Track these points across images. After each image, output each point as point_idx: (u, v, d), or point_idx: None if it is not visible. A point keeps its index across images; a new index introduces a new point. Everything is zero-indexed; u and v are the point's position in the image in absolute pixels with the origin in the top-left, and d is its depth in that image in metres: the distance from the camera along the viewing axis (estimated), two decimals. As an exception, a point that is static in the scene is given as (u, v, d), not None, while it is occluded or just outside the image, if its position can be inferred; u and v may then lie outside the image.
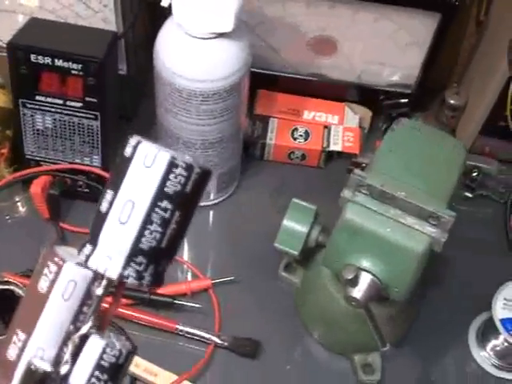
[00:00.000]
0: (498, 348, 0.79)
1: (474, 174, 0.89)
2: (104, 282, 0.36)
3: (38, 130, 0.80)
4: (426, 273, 0.71)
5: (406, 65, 0.90)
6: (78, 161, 0.82)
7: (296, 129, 0.92)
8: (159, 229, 0.34)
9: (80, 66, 0.74)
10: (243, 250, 0.86)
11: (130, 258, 0.35)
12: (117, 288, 0.37)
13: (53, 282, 0.35)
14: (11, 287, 0.69)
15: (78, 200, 0.87)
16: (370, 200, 0.64)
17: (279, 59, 0.91)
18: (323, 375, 0.79)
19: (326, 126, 0.93)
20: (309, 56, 0.90)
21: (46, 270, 0.35)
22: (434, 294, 0.84)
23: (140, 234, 0.34)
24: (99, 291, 0.36)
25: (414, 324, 0.82)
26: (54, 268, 0.35)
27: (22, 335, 0.35)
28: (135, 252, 0.34)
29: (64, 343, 0.35)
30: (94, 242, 0.35)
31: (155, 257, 0.35)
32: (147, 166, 0.34)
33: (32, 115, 0.79)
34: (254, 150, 0.92)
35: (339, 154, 0.91)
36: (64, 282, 0.35)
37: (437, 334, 0.82)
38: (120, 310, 0.79)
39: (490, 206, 0.93)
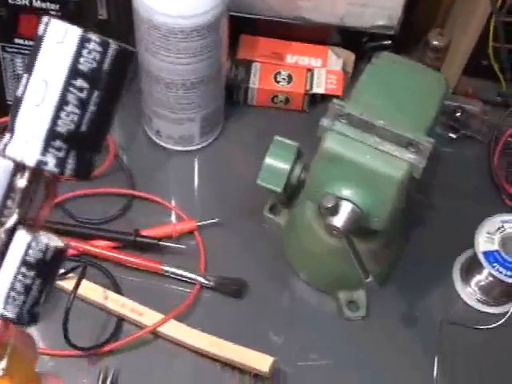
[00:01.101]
0: (482, 283, 0.80)
1: (458, 115, 0.89)
2: (26, 173, 0.34)
3: (18, 74, 0.80)
4: (408, 204, 0.72)
5: (389, 6, 0.89)
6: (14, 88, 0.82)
7: (279, 72, 0.92)
8: (76, 110, 0.33)
9: (58, 6, 0.74)
10: (228, 194, 0.87)
11: (48, 143, 0.33)
12: (48, 183, 0.35)
13: None
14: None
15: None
16: (349, 128, 0.64)
17: (261, 2, 0.90)
18: (310, 314, 0.80)
19: (309, 70, 0.92)
20: (291, -1, 0.90)
21: None
22: (418, 233, 0.85)
23: (56, 116, 0.33)
24: (21, 182, 0.34)
25: (399, 263, 0.82)
26: None
27: None
28: (52, 136, 0.33)
29: None
30: (11, 129, 0.34)
31: (76, 142, 0.34)
32: (58, 41, 0.33)
33: (12, 59, 0.79)
34: (238, 94, 0.92)
35: (323, 97, 0.91)
36: None
37: (421, 272, 0.82)
38: (105, 252, 0.79)
39: (474, 147, 0.93)
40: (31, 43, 0.77)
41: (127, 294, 0.77)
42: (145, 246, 0.80)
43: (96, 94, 0.33)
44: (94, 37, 0.33)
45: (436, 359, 0.75)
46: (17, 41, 0.78)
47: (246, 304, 0.79)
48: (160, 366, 0.75)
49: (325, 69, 0.92)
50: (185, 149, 0.88)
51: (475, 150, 0.92)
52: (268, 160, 0.74)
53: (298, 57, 0.93)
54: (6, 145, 0.34)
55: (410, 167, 0.63)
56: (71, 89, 0.33)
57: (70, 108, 0.33)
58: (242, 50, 0.94)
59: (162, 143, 0.88)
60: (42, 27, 0.33)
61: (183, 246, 0.80)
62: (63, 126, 0.33)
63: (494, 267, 0.75)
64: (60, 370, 0.72)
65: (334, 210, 0.64)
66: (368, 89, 0.68)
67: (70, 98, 0.33)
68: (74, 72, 0.33)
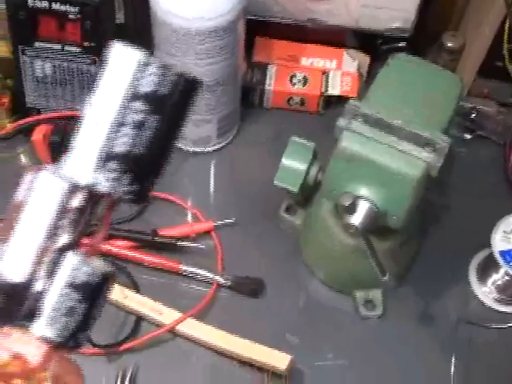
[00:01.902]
0: (498, 282, 0.80)
1: (473, 116, 0.90)
2: (80, 193, 0.34)
3: (37, 77, 0.81)
4: (424, 204, 0.72)
5: (403, 8, 0.90)
6: (78, 108, 0.83)
7: (294, 75, 0.93)
8: (132, 131, 0.33)
9: (77, 8, 0.75)
10: (244, 194, 0.87)
11: (103, 163, 0.33)
12: (105, 209, 0.35)
13: (28, 190, 0.34)
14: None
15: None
16: (365, 128, 0.65)
17: (277, 6, 0.91)
18: (326, 313, 0.80)
19: (324, 72, 0.93)
20: (306, 2, 0.90)
21: (22, 180, 0.35)
22: (434, 233, 0.85)
23: (111, 136, 0.33)
24: (75, 202, 0.34)
25: (415, 262, 0.83)
26: (29, 177, 0.34)
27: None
28: (107, 157, 0.33)
29: (39, 260, 0.33)
30: (70, 149, 0.34)
31: (132, 165, 0.33)
32: (119, 65, 0.33)
33: (31, 62, 0.80)
34: (253, 96, 0.93)
35: (338, 99, 0.92)
36: (39, 191, 0.34)
37: (437, 272, 0.83)
38: (124, 251, 0.80)
39: (489, 147, 0.93)
40: (51, 46, 0.79)
41: (145, 293, 0.78)
42: (162, 245, 0.81)
43: (155, 117, 0.33)
44: (153, 61, 0.33)
45: (452, 358, 0.76)
46: (36, 44, 0.79)
47: (263, 303, 0.80)
48: (178, 364, 0.75)
49: (340, 71, 0.93)
50: (202, 150, 0.89)
51: (490, 150, 0.93)
52: (285, 160, 0.75)
53: (314, 59, 0.94)
54: (63, 164, 0.34)
55: (427, 166, 0.63)
56: (129, 111, 0.33)
57: (126, 129, 0.33)
58: (257, 52, 0.95)
59: (179, 144, 0.89)
60: (108, 50, 0.34)
61: (201, 246, 0.81)
62: (117, 148, 0.33)
63: (510, 266, 0.75)
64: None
65: (352, 209, 0.65)
66: (384, 89, 0.69)
67: (127, 119, 0.33)
68: (132, 94, 0.33)
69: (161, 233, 0.81)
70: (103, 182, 0.33)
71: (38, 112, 0.84)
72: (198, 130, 0.86)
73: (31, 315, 0.33)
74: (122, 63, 0.33)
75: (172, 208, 0.85)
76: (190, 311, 0.75)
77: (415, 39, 0.94)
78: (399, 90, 0.69)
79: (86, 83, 0.81)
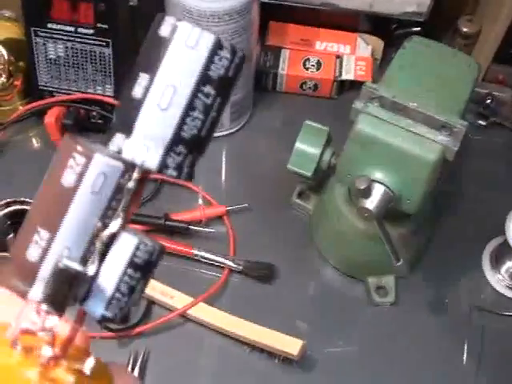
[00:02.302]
0: (512, 270, 0.80)
1: (488, 102, 0.89)
2: (136, 175, 0.33)
3: (50, 59, 0.81)
4: (437, 191, 0.72)
5: (418, -8, 0.89)
6: (90, 91, 0.83)
7: (308, 59, 0.92)
8: (201, 116, 0.32)
9: (90, -9, 0.75)
10: (257, 180, 0.87)
11: (171, 147, 0.32)
12: (139, 182, 0.34)
13: (80, 175, 0.32)
14: (27, 207, 0.70)
15: (91, 132, 0.87)
16: (381, 111, 0.64)
17: (290, -11, 0.91)
18: (338, 300, 0.80)
19: (338, 56, 0.92)
20: (320, -14, 0.90)
21: (71, 162, 0.32)
22: (448, 220, 0.85)
23: (182, 121, 0.32)
24: (131, 184, 0.33)
25: (428, 249, 0.82)
26: (81, 160, 0.32)
27: (44, 233, 0.32)
28: (176, 141, 0.32)
29: (91, 242, 0.33)
30: (126, 130, 0.32)
31: (194, 147, 0.33)
32: (190, 46, 0.31)
33: (44, 44, 0.80)
34: (266, 81, 0.92)
35: (352, 83, 0.91)
36: (93, 175, 0.32)
37: (450, 259, 0.82)
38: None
39: (504, 134, 0.92)
40: (64, 27, 0.78)
41: (157, 277, 0.78)
42: (174, 230, 0.80)
43: (219, 99, 0.33)
44: (226, 44, 0.32)
45: (465, 345, 0.76)
46: (49, 25, 0.78)
47: (275, 289, 0.79)
48: (189, 348, 0.75)
49: (354, 55, 0.93)
50: (214, 135, 0.88)
51: (505, 137, 0.92)
52: (299, 144, 0.75)
53: (327, 43, 0.94)
54: (120, 145, 0.33)
55: (443, 149, 0.63)
56: (199, 94, 0.32)
57: (195, 114, 0.32)
58: (271, 36, 0.94)
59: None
60: (166, 28, 0.32)
61: (212, 230, 0.81)
62: (187, 132, 0.32)
63: (525, 253, 0.75)
64: (91, 351, 0.73)
65: (367, 193, 0.64)
66: (400, 72, 0.68)
67: (197, 103, 0.32)
68: (205, 78, 0.32)
69: (173, 217, 0.80)
70: (170, 166, 0.33)
71: (51, 94, 0.84)
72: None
73: (85, 297, 0.33)
74: (193, 45, 0.32)
75: (184, 193, 0.84)
76: (202, 296, 0.75)
77: (430, 24, 0.93)
78: (415, 73, 0.68)
79: (99, 66, 0.80)
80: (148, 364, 0.73)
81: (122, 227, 0.33)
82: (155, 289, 0.77)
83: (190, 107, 0.32)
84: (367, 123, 0.64)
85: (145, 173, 0.33)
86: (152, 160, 0.32)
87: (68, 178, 0.32)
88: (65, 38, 0.79)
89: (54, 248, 0.32)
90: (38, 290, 0.31)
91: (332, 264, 0.81)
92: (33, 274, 0.32)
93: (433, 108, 0.64)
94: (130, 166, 0.33)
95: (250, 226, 0.83)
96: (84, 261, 0.32)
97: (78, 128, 0.84)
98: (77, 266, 0.32)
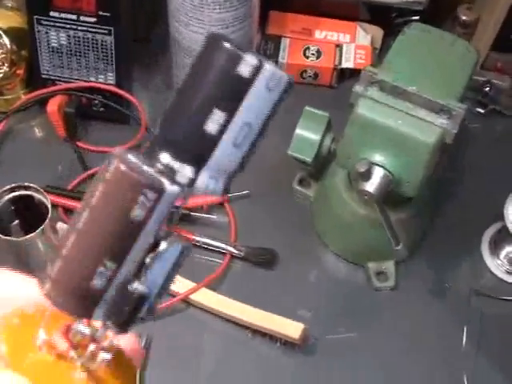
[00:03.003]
0: (511, 254, 0.80)
1: (486, 89, 0.90)
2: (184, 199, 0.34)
3: (52, 47, 0.82)
4: (437, 176, 0.73)
5: (417, -19, 0.90)
6: (92, 79, 0.84)
7: (308, 48, 0.93)
8: (254, 148, 0.34)
9: (93, -19, 0.75)
10: (258, 168, 0.86)
11: (233, 176, 0.34)
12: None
13: (150, 210, 0.32)
14: (31, 192, 0.70)
15: (93, 120, 0.88)
16: (381, 94, 0.65)
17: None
18: (339, 285, 0.81)
19: (337, 45, 0.93)
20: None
21: (141, 198, 0.32)
22: (447, 206, 0.86)
23: (247, 155, 0.34)
24: (179, 211, 0.34)
25: (428, 235, 0.83)
26: (152, 196, 0.32)
27: (111, 265, 0.32)
28: (238, 171, 0.34)
29: (143, 259, 0.34)
30: (198, 163, 0.33)
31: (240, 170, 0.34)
32: (270, 89, 0.32)
33: (47, 32, 0.81)
34: (267, 69, 0.93)
35: (351, 72, 0.92)
36: (164, 208, 0.32)
37: (450, 245, 0.83)
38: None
39: (503, 121, 0.93)
40: (66, 16, 0.79)
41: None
42: (176, 216, 0.81)
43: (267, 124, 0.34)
44: (292, 80, 0.33)
45: (465, 330, 0.76)
46: (52, 14, 0.79)
47: (276, 275, 0.80)
48: (192, 333, 0.76)
49: (353, 44, 0.93)
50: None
51: (504, 124, 0.93)
52: (299, 130, 0.76)
53: (327, 32, 0.94)
54: (192, 179, 0.33)
55: (442, 132, 0.64)
56: (263, 131, 0.34)
57: (256, 147, 0.34)
58: (271, 25, 0.95)
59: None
60: (247, 69, 0.32)
61: (214, 216, 0.82)
62: (246, 163, 0.34)
63: (523, 237, 0.76)
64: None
65: (367, 176, 0.65)
66: (400, 57, 0.69)
67: (259, 138, 0.34)
68: (272, 115, 0.33)
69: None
70: (228, 189, 0.34)
71: (53, 83, 0.85)
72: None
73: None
74: (273, 88, 0.32)
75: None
76: (204, 281, 0.76)
77: (429, 12, 0.94)
78: (415, 58, 0.69)
79: (101, 54, 0.81)
80: (151, 349, 0.74)
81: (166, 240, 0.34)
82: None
83: (254, 144, 0.34)
84: (367, 107, 0.65)
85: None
86: (218, 190, 0.34)
87: (137, 213, 0.32)
88: (67, 26, 0.80)
89: (119, 276, 0.33)
90: (100, 311, 0.32)
91: (333, 250, 0.81)
92: (95, 299, 0.32)
93: (432, 92, 0.65)
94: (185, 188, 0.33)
95: (251, 212, 0.84)
96: (137, 276, 0.33)
97: (80, 117, 0.85)
98: (143, 289, 0.33)
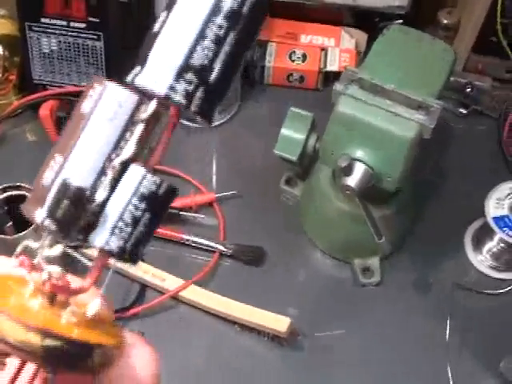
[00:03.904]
0: (493, 249, 0.83)
1: (468, 90, 0.93)
2: (152, 105, 0.34)
3: (44, 53, 0.84)
4: (419, 174, 0.75)
5: (399, -14, 0.93)
6: (83, 83, 0.86)
7: (294, 52, 0.96)
8: (212, 45, 0.34)
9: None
10: (245, 169, 0.90)
11: (180, 73, 0.33)
12: (165, 127, 0.35)
13: (96, 101, 0.33)
14: (23, 192, 0.73)
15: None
16: (361, 92, 0.68)
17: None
18: (326, 283, 0.83)
19: (322, 49, 0.96)
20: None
21: (90, 92, 0.33)
22: (431, 204, 0.88)
23: (192, 49, 0.33)
24: (144, 115, 0.33)
25: (412, 231, 0.85)
26: (99, 89, 0.33)
27: (59, 158, 0.33)
28: (186, 67, 0.33)
29: (103, 170, 0.33)
30: (142, 62, 0.34)
31: (206, 79, 0.34)
32: None
33: (38, 38, 0.83)
34: (254, 73, 0.96)
35: (336, 75, 0.95)
36: (108, 102, 0.33)
37: (434, 241, 0.86)
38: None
39: (485, 121, 0.96)
40: (57, 22, 0.82)
41: (148, 261, 0.81)
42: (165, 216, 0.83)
43: (233, 35, 0.34)
44: None
45: (448, 324, 0.79)
46: (43, 20, 0.82)
47: (264, 272, 0.83)
48: (182, 329, 0.78)
49: (338, 48, 0.96)
50: (201, 126, 0.92)
51: (486, 124, 0.96)
52: (284, 130, 0.78)
53: (312, 37, 0.98)
54: (135, 75, 0.33)
55: (420, 127, 0.66)
56: (210, 25, 0.33)
57: (206, 43, 0.34)
58: (257, 31, 0.97)
59: (181, 120, 0.91)
60: None
61: (202, 216, 0.84)
62: (197, 59, 0.33)
63: (504, 231, 0.78)
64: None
65: (348, 171, 0.68)
66: (380, 57, 0.72)
67: (208, 33, 0.33)
68: (216, 9, 0.33)
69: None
70: (179, 93, 0.33)
71: (45, 88, 0.87)
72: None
73: (91, 228, 0.33)
74: None
75: (175, 181, 0.87)
76: (193, 278, 0.78)
77: (412, 16, 0.97)
78: (394, 58, 0.72)
79: (92, 59, 0.84)
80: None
81: (134, 159, 0.33)
82: (147, 272, 0.80)
83: (200, 36, 0.33)
84: (347, 104, 0.68)
85: (160, 108, 0.34)
86: (161, 85, 0.33)
87: (85, 106, 0.33)
88: (57, 32, 0.82)
89: (64, 170, 0.33)
90: (43, 210, 0.32)
91: (320, 247, 0.84)
92: (44, 197, 0.32)
93: (410, 89, 0.67)
94: (144, 98, 0.33)
95: (239, 212, 0.87)
96: (94, 188, 0.33)
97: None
98: (82, 184, 0.32)
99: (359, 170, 0.68)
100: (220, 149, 0.94)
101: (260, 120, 0.95)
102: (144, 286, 0.80)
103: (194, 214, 0.84)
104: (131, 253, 0.33)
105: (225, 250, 0.82)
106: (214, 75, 0.34)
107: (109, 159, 0.33)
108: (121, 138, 0.33)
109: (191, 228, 0.84)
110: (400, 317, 0.80)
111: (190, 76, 0.34)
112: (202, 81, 0.34)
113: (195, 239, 0.82)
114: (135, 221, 0.33)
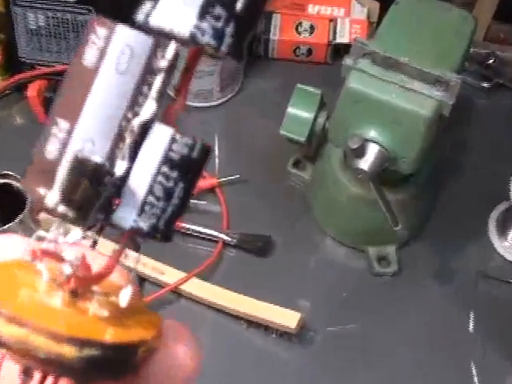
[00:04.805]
0: (519, 235, 0.81)
1: (490, 62, 0.91)
2: (171, 49, 0.29)
3: (31, 29, 0.83)
4: (436, 149, 0.73)
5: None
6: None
7: (300, 23, 0.94)
8: None
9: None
10: (250, 150, 0.89)
11: (205, 9, 0.29)
12: (189, 59, 0.30)
13: (103, 50, 0.28)
14: (10, 181, 0.71)
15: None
16: (373, 66, 0.66)
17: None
18: (338, 273, 0.81)
19: (331, 20, 0.94)
20: None
21: (93, 38, 0.29)
22: (452, 186, 0.86)
23: None
24: (163, 62, 0.29)
25: (432, 217, 0.84)
26: (103, 32, 0.28)
27: (64, 124, 0.28)
28: (212, 1, 0.28)
29: (119, 134, 0.29)
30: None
31: (234, 10, 0.29)
32: None
33: (24, 13, 0.82)
34: (258, 47, 0.94)
35: (347, 48, 0.92)
36: (118, 49, 0.29)
37: (455, 226, 0.84)
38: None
39: (508, 96, 0.94)
40: (43, -5, 0.80)
41: (147, 253, 0.79)
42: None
43: None
44: None
45: (472, 314, 0.77)
46: (28, -7, 0.80)
47: (272, 263, 0.81)
48: (184, 325, 0.77)
49: (348, 18, 0.94)
50: (204, 105, 0.91)
51: (510, 98, 0.93)
52: (291, 109, 0.76)
53: (320, 7, 0.95)
54: (147, 14, 0.29)
55: (438, 105, 0.64)
56: None
57: None
58: (261, 1, 0.95)
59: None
60: None
61: (204, 202, 0.82)
62: None
63: (530, 216, 0.76)
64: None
65: (360, 152, 0.66)
66: (393, 27, 0.70)
67: None
68: None
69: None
70: (207, 32, 0.29)
71: (32, 67, 0.86)
72: (200, 83, 0.87)
73: (112, 204, 0.29)
74: None
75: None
76: (194, 270, 0.77)
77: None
78: (409, 28, 0.70)
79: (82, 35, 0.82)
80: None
81: (156, 115, 0.29)
82: (146, 265, 0.78)
83: None
84: (358, 80, 0.66)
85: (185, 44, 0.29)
86: (183, 25, 0.29)
87: (89, 56, 0.28)
88: (45, 6, 0.81)
89: (73, 140, 0.28)
90: (55, 193, 0.28)
91: (331, 235, 0.82)
92: (52, 174, 0.28)
93: (427, 63, 0.65)
94: (161, 40, 0.29)
95: (244, 198, 0.85)
96: (111, 158, 0.28)
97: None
98: (98, 159, 0.28)
99: (372, 151, 0.67)
100: (222, 129, 0.92)
101: (265, 98, 0.93)
102: (143, 280, 0.79)
103: (194, 201, 0.82)
104: (165, 230, 0.29)
105: (229, 239, 0.80)
106: (240, 3, 0.29)
107: (125, 122, 0.29)
108: (137, 94, 0.29)
109: (192, 216, 0.82)
110: (419, 309, 0.79)
111: (217, 10, 0.29)
112: (231, 13, 0.29)
113: (196, 228, 0.81)
114: (167, 193, 0.29)
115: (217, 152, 0.90)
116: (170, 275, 0.78)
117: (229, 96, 0.92)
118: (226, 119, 0.92)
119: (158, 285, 0.78)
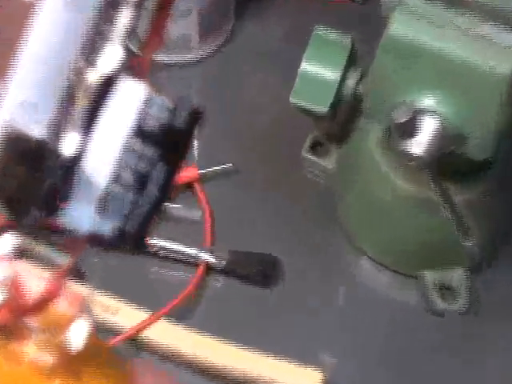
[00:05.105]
0: None
1: None
2: None
3: None
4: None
5: None
6: None
7: None
8: None
9: None
10: (244, 129, 0.90)
11: None
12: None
13: None
14: None
15: None
16: (426, 4, 0.68)
17: None
18: (377, 309, 0.83)
19: None
20: None
21: None
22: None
23: None
24: None
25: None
26: None
27: None
28: None
29: (68, 94, 0.29)
30: None
31: None
32: None
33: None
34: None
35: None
36: None
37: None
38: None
39: None
40: None
41: (94, 283, 0.80)
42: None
43: None
44: None
45: None
46: None
47: (278, 296, 0.82)
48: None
49: None
50: (178, 60, 0.93)
51: None
52: (306, 65, 0.77)
53: None
54: None
55: (524, 58, 0.66)
56: None
57: None
58: None
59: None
60: None
61: (178, 205, 0.84)
62: None
63: None
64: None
65: (410, 130, 0.67)
66: None
67: None
68: None
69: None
70: None
71: None
72: (172, 27, 0.88)
73: (57, 198, 0.29)
74: None
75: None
76: (162, 309, 0.78)
77: None
78: None
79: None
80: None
81: (123, 66, 0.31)
82: (91, 300, 0.80)
83: None
84: (406, 23, 0.67)
85: None
86: None
87: None
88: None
89: (1, 105, 0.29)
90: None
91: (368, 253, 0.84)
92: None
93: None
94: None
95: (236, 197, 0.87)
96: (56, 130, 0.29)
97: None
98: (36, 131, 0.29)
99: (428, 127, 0.68)
100: (203, 97, 0.94)
101: (265, 50, 0.95)
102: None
103: (165, 204, 0.84)
104: (135, 234, 0.31)
105: (214, 260, 0.82)
106: None
107: (76, 72, 0.30)
108: (94, 35, 0.30)
109: (161, 227, 0.83)
110: (502, 365, 0.80)
111: None
112: None
113: (166, 245, 0.82)
114: (140, 180, 0.31)
115: (197, 131, 0.91)
116: (125, 315, 0.79)
117: (213, 47, 0.94)
118: (210, 81, 0.94)
119: (109, 330, 0.79)
